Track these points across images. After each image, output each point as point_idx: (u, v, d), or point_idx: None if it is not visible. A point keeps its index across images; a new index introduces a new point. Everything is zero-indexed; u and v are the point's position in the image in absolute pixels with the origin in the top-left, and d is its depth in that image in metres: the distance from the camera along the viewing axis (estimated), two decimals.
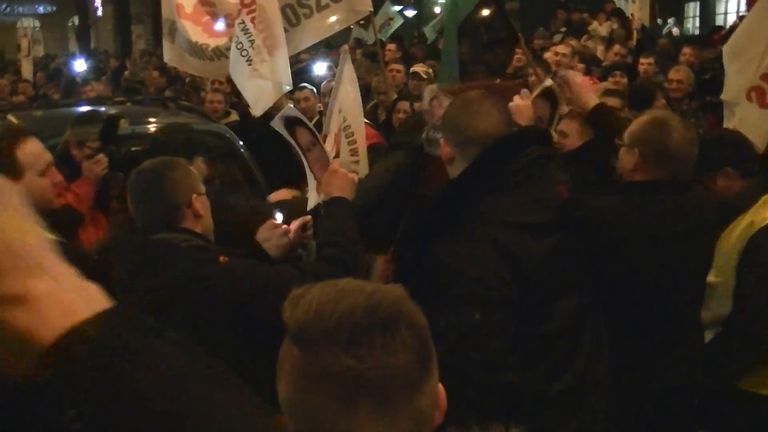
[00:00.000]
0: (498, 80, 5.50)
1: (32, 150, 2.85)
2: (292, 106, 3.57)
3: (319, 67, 9.74)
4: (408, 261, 2.62)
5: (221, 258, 2.50)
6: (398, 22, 13.47)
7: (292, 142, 3.27)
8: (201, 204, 2.61)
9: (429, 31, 13.54)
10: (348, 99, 4.16)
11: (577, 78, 3.53)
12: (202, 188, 2.67)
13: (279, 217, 3.05)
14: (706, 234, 2.98)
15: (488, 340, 2.25)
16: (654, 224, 2.78)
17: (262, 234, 2.85)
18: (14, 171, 2.73)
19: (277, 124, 3.32)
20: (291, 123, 3.34)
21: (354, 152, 4.17)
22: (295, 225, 2.91)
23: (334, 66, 9.82)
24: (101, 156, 3.93)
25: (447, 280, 2.33)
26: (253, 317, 2.32)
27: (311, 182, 3.36)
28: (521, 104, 3.17)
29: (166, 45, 7.12)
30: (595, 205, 2.79)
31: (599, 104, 3.43)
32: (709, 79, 6.33)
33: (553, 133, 5.08)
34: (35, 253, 0.86)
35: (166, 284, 2.38)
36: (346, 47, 4.01)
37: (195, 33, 6.62)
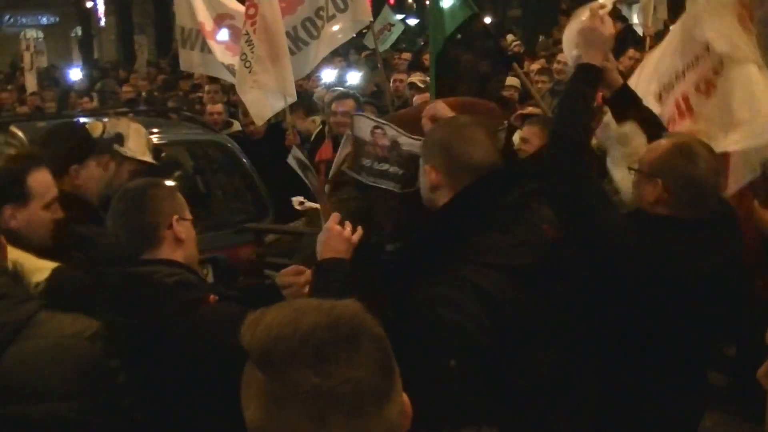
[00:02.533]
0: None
1: (43, 180, 2.78)
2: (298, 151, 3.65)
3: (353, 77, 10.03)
4: (398, 304, 2.40)
5: (210, 297, 2.33)
6: (399, 29, 13.46)
7: (309, 182, 3.33)
8: (183, 228, 2.47)
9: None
10: None
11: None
12: (188, 214, 2.54)
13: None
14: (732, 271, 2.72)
15: (462, 387, 2.16)
16: (680, 262, 2.58)
17: (284, 279, 2.65)
18: (22, 197, 2.69)
19: (293, 162, 3.41)
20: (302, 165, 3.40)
21: None
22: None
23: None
24: None
25: (427, 325, 2.24)
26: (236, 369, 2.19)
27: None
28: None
29: (182, 53, 7.03)
30: (615, 235, 2.62)
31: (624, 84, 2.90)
32: None
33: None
34: None
35: (150, 326, 2.27)
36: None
37: (219, 52, 6.56)
